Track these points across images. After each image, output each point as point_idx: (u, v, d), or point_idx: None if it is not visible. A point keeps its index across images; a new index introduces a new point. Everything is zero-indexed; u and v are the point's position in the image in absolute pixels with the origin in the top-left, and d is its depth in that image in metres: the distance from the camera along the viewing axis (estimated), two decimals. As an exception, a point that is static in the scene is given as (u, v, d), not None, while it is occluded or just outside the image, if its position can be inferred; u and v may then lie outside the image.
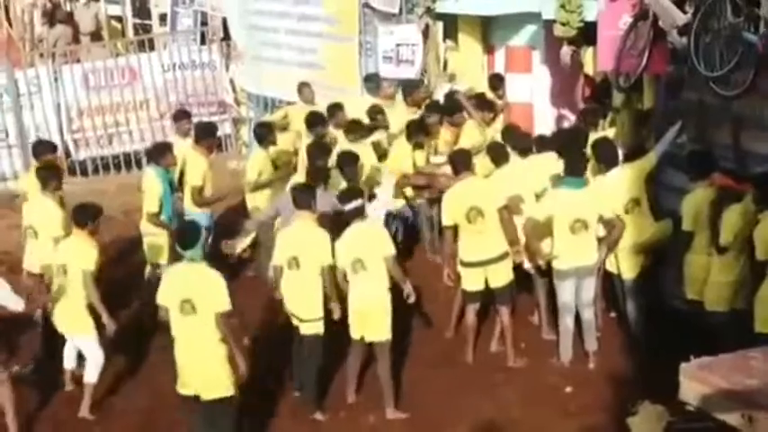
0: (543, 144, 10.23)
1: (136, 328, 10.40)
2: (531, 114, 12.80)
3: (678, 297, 9.11)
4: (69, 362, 9.35)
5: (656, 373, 8.10)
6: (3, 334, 9.33)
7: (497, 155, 9.91)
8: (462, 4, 12.89)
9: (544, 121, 12.56)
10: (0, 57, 17.58)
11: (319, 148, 10.48)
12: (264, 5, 16.22)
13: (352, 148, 10.66)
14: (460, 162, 9.45)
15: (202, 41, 17.86)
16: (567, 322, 9.25)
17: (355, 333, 8.76)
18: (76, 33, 19.59)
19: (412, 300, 8.77)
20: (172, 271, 7.86)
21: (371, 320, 8.61)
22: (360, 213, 8.69)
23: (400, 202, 11.56)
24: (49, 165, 10.40)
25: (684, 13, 8.99)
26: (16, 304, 8.67)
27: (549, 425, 8.44)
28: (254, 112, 16.58)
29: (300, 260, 8.57)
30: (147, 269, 10.67)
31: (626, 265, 9.32)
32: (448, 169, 10.34)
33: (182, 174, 10.90)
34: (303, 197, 8.77)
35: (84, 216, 9.01)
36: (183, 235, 7.81)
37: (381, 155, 11.60)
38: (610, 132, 10.53)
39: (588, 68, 11.58)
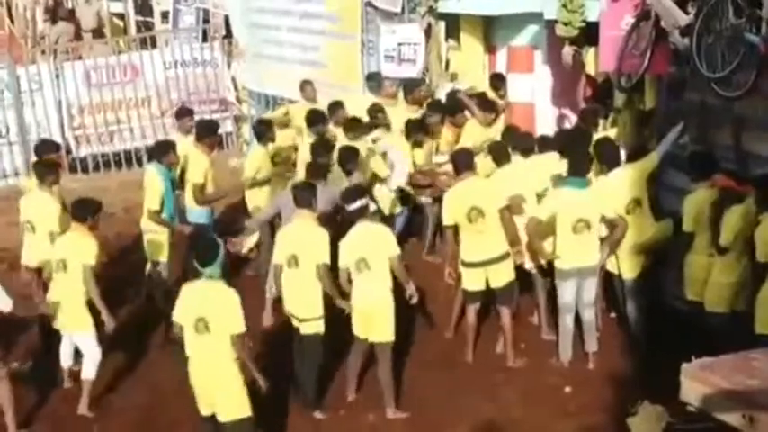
0: (546, 144, 10.22)
1: (135, 324, 10.43)
2: (533, 114, 12.78)
3: (678, 298, 9.10)
4: (66, 359, 9.35)
5: (656, 373, 8.12)
6: (0, 331, 9.34)
7: (499, 155, 9.90)
8: (464, 4, 12.88)
9: (546, 122, 12.53)
10: (2, 53, 17.61)
11: (322, 146, 10.49)
12: (266, 3, 16.22)
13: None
14: (462, 162, 9.44)
15: (204, 39, 17.89)
16: (567, 322, 9.25)
17: (357, 332, 8.75)
18: (78, 30, 19.62)
19: (415, 300, 8.76)
20: (188, 288, 7.65)
21: (374, 321, 8.60)
22: (364, 213, 8.67)
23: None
24: (47, 160, 10.42)
25: (686, 13, 8.97)
26: (5, 305, 8.63)
27: (549, 425, 8.43)
28: (256, 109, 16.60)
29: (300, 259, 8.55)
30: (148, 266, 10.67)
31: (626, 266, 9.32)
32: (449, 168, 10.35)
33: (182, 171, 10.90)
34: (304, 196, 8.75)
35: (83, 211, 9.01)
36: (202, 252, 7.57)
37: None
38: (611, 133, 10.53)
39: (590, 69, 11.58)
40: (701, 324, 8.62)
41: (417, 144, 11.58)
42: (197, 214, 10.84)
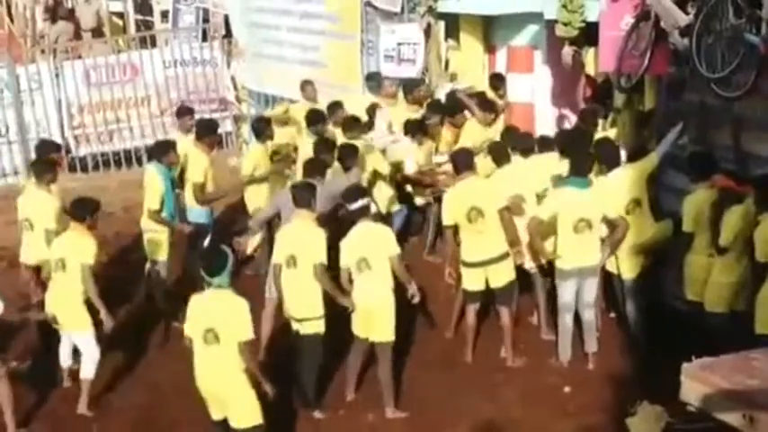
0: (546, 144, 10.22)
1: (135, 324, 10.43)
2: (533, 114, 12.79)
3: (678, 298, 9.11)
4: (65, 359, 9.34)
5: (656, 373, 8.13)
6: (2, 331, 9.35)
7: (499, 155, 9.90)
8: (464, 4, 12.88)
9: (545, 122, 12.53)
10: (1, 52, 17.61)
11: (324, 143, 10.50)
12: (266, 3, 16.23)
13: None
14: (462, 161, 9.43)
15: (204, 38, 17.90)
16: (567, 321, 9.25)
17: (358, 332, 8.75)
18: (78, 29, 19.62)
19: (416, 300, 8.76)
20: (196, 300, 7.57)
21: (375, 320, 8.60)
22: (365, 213, 8.67)
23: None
24: (45, 159, 10.43)
25: (686, 14, 8.97)
26: None
27: (549, 425, 8.43)
28: (255, 109, 16.60)
29: (298, 259, 8.54)
30: (147, 265, 10.68)
31: (626, 266, 9.33)
32: (449, 168, 10.35)
33: (182, 170, 10.90)
34: (303, 196, 8.73)
35: (82, 210, 9.00)
36: (210, 262, 7.49)
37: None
38: (611, 133, 10.53)
39: (590, 69, 11.58)
40: (700, 324, 8.62)
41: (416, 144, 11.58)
42: (197, 213, 10.84)
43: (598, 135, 10.36)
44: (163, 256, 10.43)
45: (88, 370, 8.99)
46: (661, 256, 9.40)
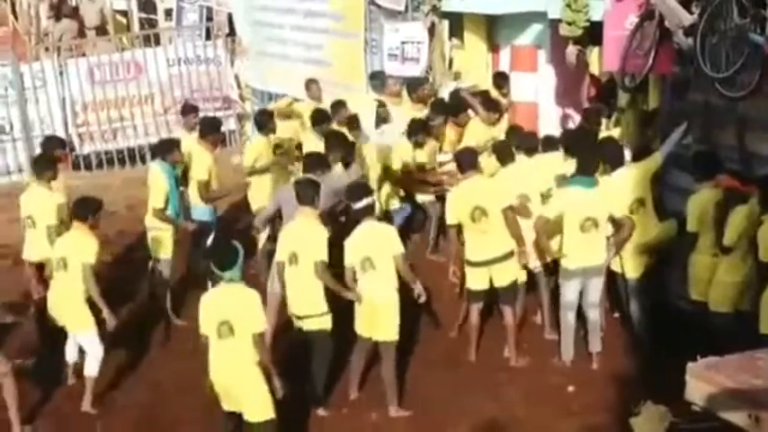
0: (551, 143, 10.22)
1: (138, 322, 10.43)
2: (536, 114, 12.80)
3: (682, 297, 9.10)
4: (71, 355, 9.35)
5: (660, 373, 8.14)
6: (4, 327, 9.35)
7: (503, 154, 9.90)
8: (468, 3, 12.89)
9: (549, 121, 12.54)
10: (5, 50, 17.62)
11: (336, 138, 10.56)
12: (270, 1, 16.25)
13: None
14: (466, 161, 9.43)
15: (208, 37, 17.92)
16: (569, 318, 9.25)
17: (362, 331, 8.75)
18: (82, 27, 19.63)
19: (423, 300, 8.75)
20: (209, 296, 7.59)
21: (379, 320, 8.59)
22: (369, 211, 8.67)
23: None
24: (46, 156, 10.45)
25: (691, 13, 8.96)
26: None
27: (552, 424, 8.43)
28: (259, 107, 16.57)
29: (299, 256, 8.54)
30: (151, 263, 10.69)
31: (630, 265, 9.32)
32: (452, 168, 10.36)
33: (186, 168, 10.91)
34: (306, 193, 8.71)
35: (84, 210, 9.00)
36: (221, 257, 7.50)
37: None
38: (615, 132, 10.54)
39: (594, 68, 11.60)
40: (704, 324, 8.62)
41: (419, 144, 11.56)
42: (201, 211, 10.85)
43: (602, 134, 10.37)
44: (167, 254, 10.44)
45: (92, 368, 8.99)
46: (665, 255, 9.40)
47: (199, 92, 16.99)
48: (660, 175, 9.56)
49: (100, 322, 8.95)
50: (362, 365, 8.97)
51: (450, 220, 9.41)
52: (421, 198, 11.85)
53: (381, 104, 12.32)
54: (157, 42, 17.80)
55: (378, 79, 13.05)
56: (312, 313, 8.59)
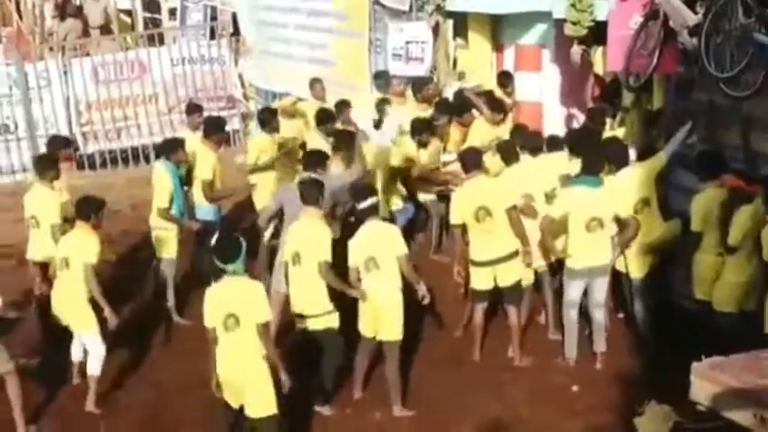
0: (555, 143, 10.21)
1: (142, 322, 10.44)
2: (541, 113, 12.79)
3: (686, 297, 9.10)
4: (77, 355, 9.35)
5: (664, 373, 8.14)
6: (9, 327, 9.35)
7: (508, 153, 9.89)
8: (472, 2, 12.89)
9: (553, 121, 12.53)
10: (10, 50, 17.66)
11: (343, 135, 10.58)
12: (274, 1, 16.26)
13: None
14: (470, 160, 9.42)
15: (212, 36, 17.94)
16: (572, 316, 9.23)
17: (366, 331, 8.75)
18: (86, 27, 19.63)
19: (427, 301, 8.73)
20: (213, 290, 7.54)
21: (383, 319, 8.59)
22: (373, 211, 8.67)
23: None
24: (47, 155, 10.47)
25: (695, 13, 8.96)
26: None
27: (556, 424, 8.42)
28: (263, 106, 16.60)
29: (302, 256, 8.54)
30: (155, 263, 10.70)
31: (634, 265, 9.32)
32: (456, 168, 10.35)
33: (190, 168, 10.92)
34: (311, 193, 8.71)
35: (87, 209, 9.00)
36: (224, 250, 7.49)
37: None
38: (619, 132, 10.53)
39: (598, 68, 11.57)
40: (709, 324, 8.61)
41: (422, 144, 11.56)
42: (205, 211, 10.87)
43: (606, 134, 10.36)
44: (171, 253, 10.46)
45: (94, 367, 9.00)
46: (669, 255, 9.39)
47: (203, 91, 16.99)
48: (665, 175, 9.55)
49: (101, 321, 8.96)
50: (366, 365, 8.97)
51: (455, 220, 9.41)
52: (423, 197, 11.84)
53: (385, 101, 12.29)
54: (161, 42, 17.83)
55: (382, 79, 13.05)
56: (317, 313, 8.58)
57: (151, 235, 10.70)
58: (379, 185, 11.07)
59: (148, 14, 20.61)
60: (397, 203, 11.66)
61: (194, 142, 11.04)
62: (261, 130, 11.81)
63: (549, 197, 9.54)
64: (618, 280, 9.54)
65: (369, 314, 8.63)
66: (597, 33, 10.99)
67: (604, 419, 8.34)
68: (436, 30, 13.18)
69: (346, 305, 8.68)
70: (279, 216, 9.67)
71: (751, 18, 8.20)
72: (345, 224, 9.51)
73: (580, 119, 12.06)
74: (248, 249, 7.60)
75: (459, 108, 11.97)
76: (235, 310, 7.36)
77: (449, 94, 12.63)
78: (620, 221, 9.00)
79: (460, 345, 9.79)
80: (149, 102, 16.88)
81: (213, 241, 7.76)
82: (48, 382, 9.25)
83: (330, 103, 12.38)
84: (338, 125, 11.65)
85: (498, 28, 13.33)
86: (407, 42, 13.42)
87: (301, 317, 8.66)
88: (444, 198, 11.29)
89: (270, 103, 16.16)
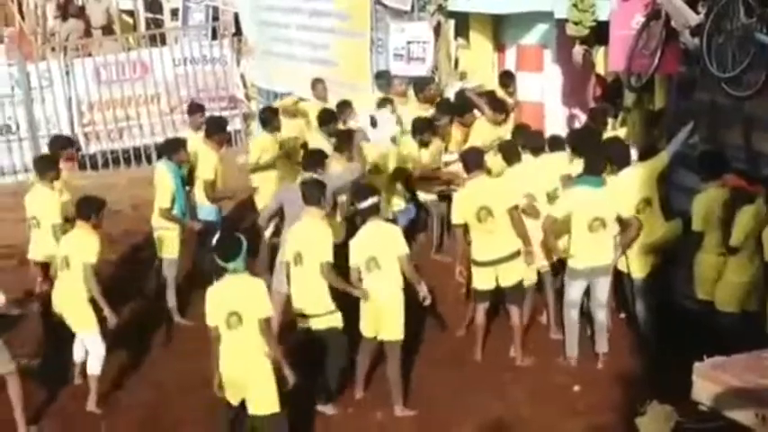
0: (557, 143, 10.20)
1: (143, 322, 10.44)
2: (542, 113, 12.78)
3: (688, 297, 9.09)
4: (79, 355, 9.35)
5: (666, 372, 8.15)
6: (9, 327, 9.35)
7: (510, 153, 9.88)
8: (474, 2, 12.88)
9: (555, 121, 12.52)
10: (12, 50, 17.66)
11: (344, 135, 10.59)
12: (276, 1, 16.26)
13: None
14: (472, 160, 9.42)
15: (214, 36, 17.93)
16: (573, 316, 9.23)
17: (367, 331, 8.74)
18: (88, 27, 19.63)
19: (428, 302, 8.73)
20: (214, 288, 7.56)
21: (384, 319, 8.59)
22: (374, 211, 8.67)
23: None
24: (47, 156, 10.47)
25: (697, 13, 8.96)
26: None
27: (557, 424, 8.42)
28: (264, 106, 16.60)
29: (304, 256, 8.54)
30: (157, 263, 10.70)
31: (636, 265, 9.31)
32: (458, 168, 10.34)
33: (192, 168, 10.92)
34: (313, 193, 8.72)
35: (87, 209, 9.01)
36: (225, 248, 7.50)
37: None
38: (621, 132, 10.52)
39: (600, 68, 11.57)
40: (710, 324, 8.60)
41: (423, 143, 11.55)
42: (207, 211, 10.88)
43: (608, 134, 10.36)
44: (173, 253, 10.47)
45: (94, 367, 9.00)
46: (671, 255, 9.39)
47: (205, 91, 16.99)
48: (666, 175, 9.55)
49: (101, 320, 8.96)
50: (368, 365, 8.97)
51: (457, 219, 9.41)
52: (423, 197, 11.84)
53: (387, 101, 12.28)
54: (163, 42, 17.82)
55: (383, 79, 13.04)
56: (319, 312, 8.58)
57: (153, 235, 10.71)
58: (380, 186, 11.06)
59: (150, 15, 20.62)
60: (398, 204, 11.66)
61: (196, 142, 11.04)
62: (262, 129, 11.81)
63: (551, 197, 9.53)
64: (619, 280, 9.53)
65: (370, 314, 8.63)
66: (599, 33, 10.98)
67: (606, 419, 8.33)
68: (438, 30, 13.17)
69: (348, 305, 8.67)
70: (279, 214, 9.69)
71: (753, 18, 8.20)
72: (350, 224, 9.50)
73: (582, 119, 12.05)
74: (249, 248, 7.60)
75: (461, 108, 11.96)
76: (237, 307, 7.36)
77: (450, 94, 12.62)
78: (622, 221, 8.99)
79: (462, 345, 9.79)
80: (151, 102, 16.88)
81: (214, 241, 7.76)
82: (49, 383, 9.25)
83: (332, 104, 12.37)
84: (340, 125, 11.65)
85: (500, 28, 13.32)
86: (409, 42, 13.41)
87: (304, 316, 8.67)
88: (445, 198, 11.29)
89: (272, 103, 16.19)
